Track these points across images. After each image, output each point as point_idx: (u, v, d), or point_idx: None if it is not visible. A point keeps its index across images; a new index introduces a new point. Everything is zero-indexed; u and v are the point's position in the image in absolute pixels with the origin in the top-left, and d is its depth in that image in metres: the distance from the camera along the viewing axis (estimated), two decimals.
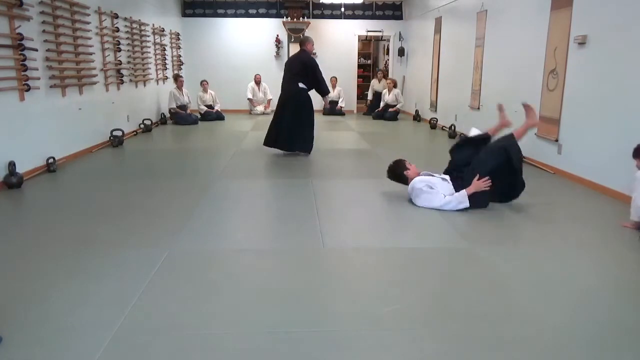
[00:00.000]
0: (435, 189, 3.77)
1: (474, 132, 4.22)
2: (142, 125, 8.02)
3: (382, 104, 10.62)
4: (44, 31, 5.06)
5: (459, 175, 3.90)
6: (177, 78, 9.53)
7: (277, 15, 11.41)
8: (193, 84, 10.24)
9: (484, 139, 4.03)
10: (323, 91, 6.21)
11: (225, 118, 9.99)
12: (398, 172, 4.04)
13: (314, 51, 6.33)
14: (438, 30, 9.08)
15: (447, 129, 7.96)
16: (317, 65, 6.14)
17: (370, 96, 11.44)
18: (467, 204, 3.67)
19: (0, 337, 1.90)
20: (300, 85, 6.00)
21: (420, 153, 6.78)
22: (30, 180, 4.60)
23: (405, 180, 4.00)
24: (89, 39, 6.14)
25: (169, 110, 9.35)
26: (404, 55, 11.67)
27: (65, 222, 3.44)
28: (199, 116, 9.77)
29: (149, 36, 8.68)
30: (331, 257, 2.88)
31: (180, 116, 9.25)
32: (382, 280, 2.58)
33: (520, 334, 2.03)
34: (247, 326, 2.08)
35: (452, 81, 8.43)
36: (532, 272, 2.69)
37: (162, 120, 9.22)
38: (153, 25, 8.92)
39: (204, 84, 10.14)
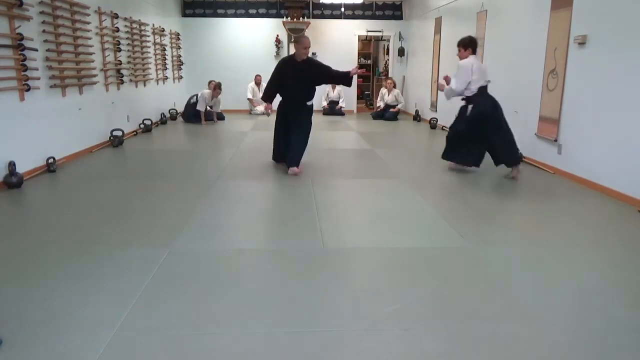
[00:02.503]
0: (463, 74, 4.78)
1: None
2: (142, 125, 8.03)
3: (382, 104, 10.61)
4: (44, 31, 5.06)
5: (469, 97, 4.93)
6: (215, 87, 9.43)
7: (277, 15, 11.41)
8: (193, 84, 10.23)
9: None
10: None
11: (225, 118, 9.99)
12: (469, 41, 4.87)
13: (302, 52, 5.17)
14: (438, 30, 9.08)
15: (447, 129, 7.93)
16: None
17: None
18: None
19: (0, 340, 1.90)
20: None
21: (420, 153, 6.78)
22: (30, 180, 4.60)
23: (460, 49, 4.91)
24: (89, 39, 6.15)
25: (200, 111, 9.36)
26: (404, 55, 11.66)
27: (65, 222, 3.44)
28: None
29: (149, 36, 8.68)
30: (331, 257, 2.88)
31: (191, 114, 9.38)
32: (382, 280, 2.58)
33: (520, 334, 2.03)
34: (247, 326, 2.08)
35: None
36: (532, 272, 2.69)
37: (162, 120, 9.23)
38: (153, 25, 8.92)
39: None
